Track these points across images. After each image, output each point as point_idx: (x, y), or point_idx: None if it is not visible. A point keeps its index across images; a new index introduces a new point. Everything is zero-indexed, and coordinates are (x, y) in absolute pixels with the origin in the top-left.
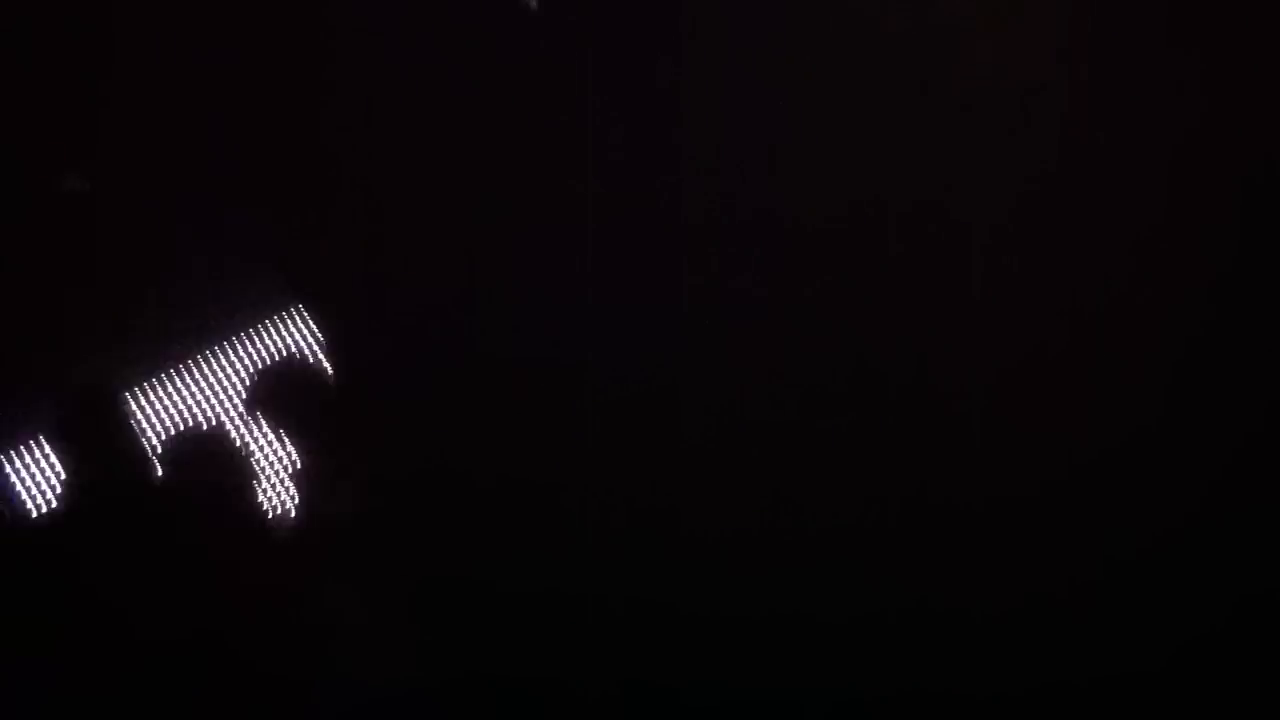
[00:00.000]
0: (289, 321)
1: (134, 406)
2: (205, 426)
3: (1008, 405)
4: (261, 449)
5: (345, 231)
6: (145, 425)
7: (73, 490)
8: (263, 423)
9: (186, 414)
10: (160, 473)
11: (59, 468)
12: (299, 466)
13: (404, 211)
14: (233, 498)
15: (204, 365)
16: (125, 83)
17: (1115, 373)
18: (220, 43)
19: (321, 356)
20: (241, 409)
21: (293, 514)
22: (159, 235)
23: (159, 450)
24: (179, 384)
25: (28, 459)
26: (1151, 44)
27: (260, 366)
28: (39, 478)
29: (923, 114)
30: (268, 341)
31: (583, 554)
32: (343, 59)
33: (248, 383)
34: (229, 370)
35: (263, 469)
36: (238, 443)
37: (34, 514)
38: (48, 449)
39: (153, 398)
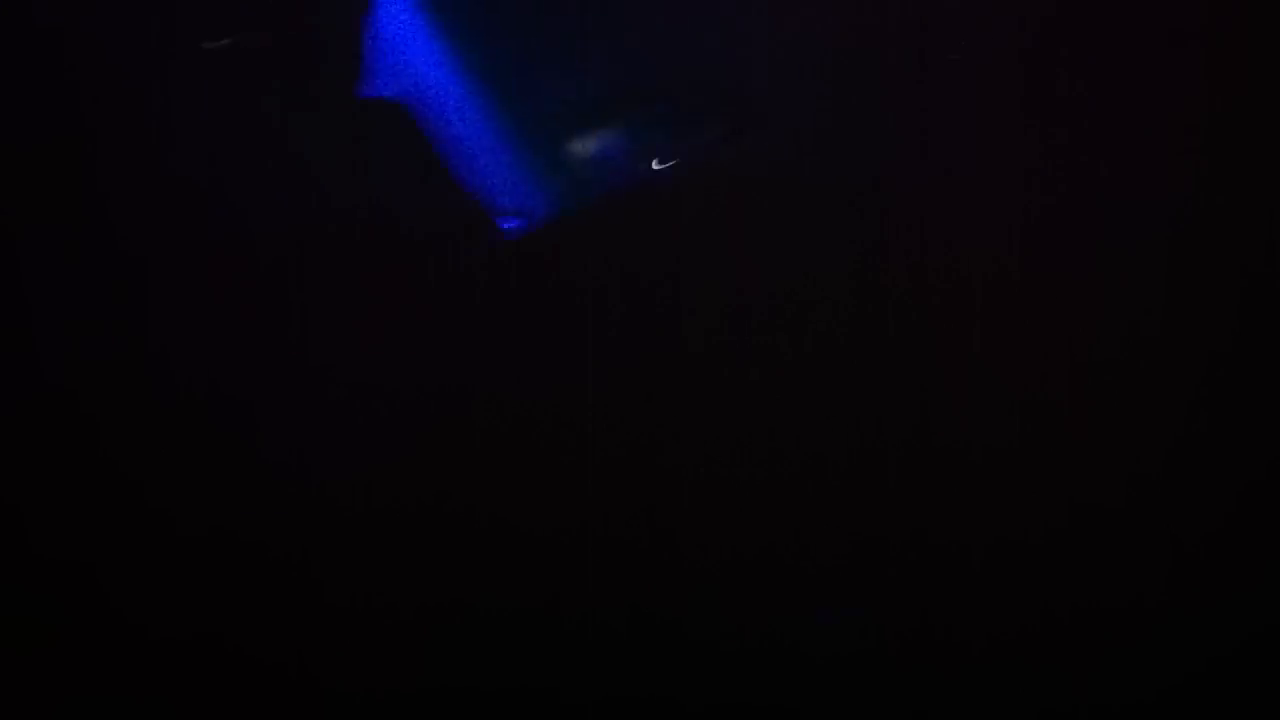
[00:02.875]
0: None
1: None
2: None
3: (1014, 421)
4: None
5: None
6: None
7: None
8: None
9: None
10: None
11: None
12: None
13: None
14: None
15: None
16: None
17: (1123, 388)
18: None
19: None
20: None
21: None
22: None
23: None
24: None
25: None
26: (1153, 46)
27: None
28: None
29: (921, 115)
30: None
31: (580, 572)
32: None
33: None
34: None
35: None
36: None
37: None
38: None
39: None
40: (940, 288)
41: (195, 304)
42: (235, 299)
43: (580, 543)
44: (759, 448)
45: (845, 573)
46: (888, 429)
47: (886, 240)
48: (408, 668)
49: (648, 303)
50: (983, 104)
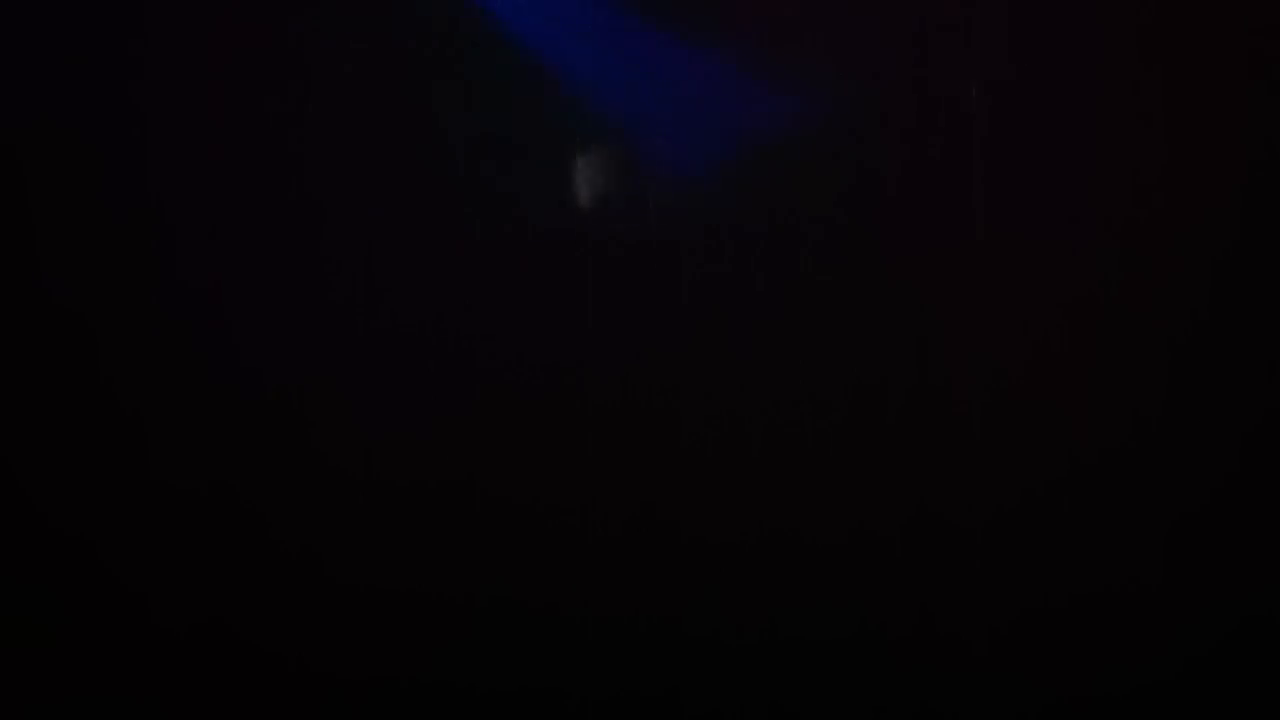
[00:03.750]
0: None
1: None
2: None
3: (1010, 409)
4: None
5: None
6: None
7: None
8: None
9: None
10: None
11: None
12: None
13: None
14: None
15: None
16: None
17: (1118, 375)
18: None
19: None
20: None
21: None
22: None
23: None
24: None
25: None
26: (1152, 47)
27: None
28: None
29: (921, 115)
30: None
31: (580, 563)
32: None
33: None
34: None
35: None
36: None
37: None
38: None
39: None
40: (940, 278)
41: (219, 282)
42: (256, 279)
43: (580, 541)
44: (757, 444)
45: (845, 570)
46: (887, 427)
47: (881, 236)
48: (413, 661)
49: (647, 298)
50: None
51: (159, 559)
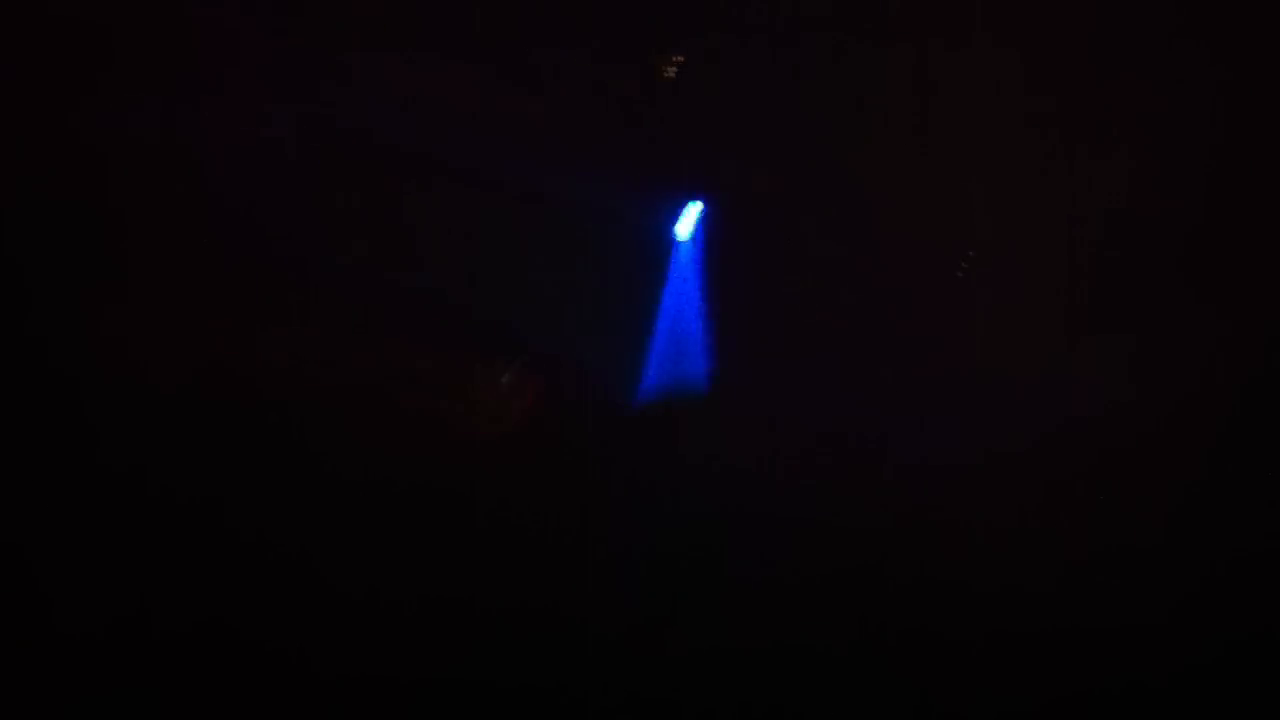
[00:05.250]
0: None
1: None
2: None
3: (1011, 410)
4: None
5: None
6: None
7: None
8: None
9: None
10: None
11: None
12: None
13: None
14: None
15: None
16: None
17: (1119, 375)
18: None
19: None
20: None
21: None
22: None
23: None
24: None
25: None
26: (1154, 45)
27: None
28: None
29: (924, 118)
30: None
31: (579, 564)
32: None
33: None
34: None
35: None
36: None
37: None
38: None
39: None
40: (941, 282)
41: (210, 292)
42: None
43: (580, 542)
44: (756, 448)
45: (845, 572)
46: (887, 427)
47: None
48: (413, 660)
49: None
50: None
51: (158, 560)
